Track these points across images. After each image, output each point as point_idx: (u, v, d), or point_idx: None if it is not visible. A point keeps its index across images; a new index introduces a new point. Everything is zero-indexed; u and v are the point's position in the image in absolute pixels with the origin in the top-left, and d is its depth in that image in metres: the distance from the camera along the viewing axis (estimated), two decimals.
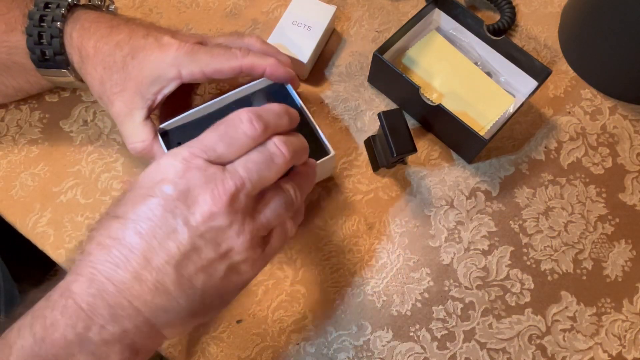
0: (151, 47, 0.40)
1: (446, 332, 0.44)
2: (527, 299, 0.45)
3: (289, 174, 0.34)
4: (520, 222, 0.48)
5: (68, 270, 0.30)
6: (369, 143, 0.50)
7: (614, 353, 0.44)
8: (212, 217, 0.29)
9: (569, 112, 0.53)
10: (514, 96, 0.51)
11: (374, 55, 0.48)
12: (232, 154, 0.31)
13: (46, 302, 0.29)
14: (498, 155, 0.51)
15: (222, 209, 0.29)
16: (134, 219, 0.29)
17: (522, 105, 0.49)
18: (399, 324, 0.44)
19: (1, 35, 0.41)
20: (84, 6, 0.43)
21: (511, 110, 0.50)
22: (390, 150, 0.44)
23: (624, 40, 0.48)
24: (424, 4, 0.56)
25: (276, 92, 0.45)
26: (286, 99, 0.45)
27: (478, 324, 0.45)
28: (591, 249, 0.48)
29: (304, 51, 0.49)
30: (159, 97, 0.41)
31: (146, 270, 0.29)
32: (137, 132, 0.42)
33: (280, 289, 0.45)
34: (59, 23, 0.40)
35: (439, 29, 0.54)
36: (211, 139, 0.31)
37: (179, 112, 0.43)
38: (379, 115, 0.44)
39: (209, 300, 0.31)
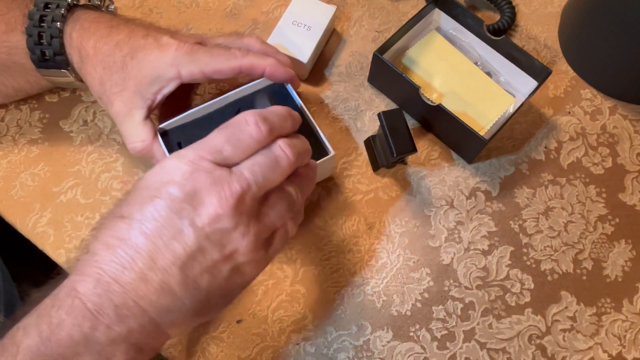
0: (151, 47, 0.40)
1: (446, 332, 0.44)
2: (527, 299, 0.45)
3: (291, 175, 0.35)
4: (520, 222, 0.48)
5: (71, 268, 0.31)
6: (369, 143, 0.50)
7: (614, 353, 0.44)
8: (218, 219, 0.29)
9: (569, 112, 0.53)
10: (514, 96, 0.51)
11: (374, 55, 0.48)
12: (238, 156, 0.31)
13: (52, 302, 0.29)
14: (498, 155, 0.51)
15: (228, 211, 0.29)
16: (139, 219, 0.29)
17: (522, 105, 0.49)
18: (399, 324, 0.44)
19: (1, 36, 0.41)
20: (84, 6, 0.43)
21: (511, 110, 0.50)
22: (390, 150, 0.44)
23: (624, 40, 0.48)
24: (424, 4, 0.56)
25: (276, 92, 0.45)
26: (286, 99, 0.45)
27: (478, 324, 0.45)
28: (591, 249, 0.48)
29: (304, 51, 0.49)
30: (159, 97, 0.41)
31: (152, 271, 0.29)
32: (137, 131, 0.42)
33: (280, 289, 0.45)
34: (58, 23, 0.40)
35: (439, 29, 0.54)
36: (218, 141, 0.31)
37: (179, 112, 0.43)
38: (379, 115, 0.44)
39: (212, 300, 0.32)
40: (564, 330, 0.45)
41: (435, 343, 0.44)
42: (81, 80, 0.44)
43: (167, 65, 0.40)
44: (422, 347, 0.44)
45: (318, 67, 0.53)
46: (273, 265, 0.45)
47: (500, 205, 0.49)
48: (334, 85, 0.52)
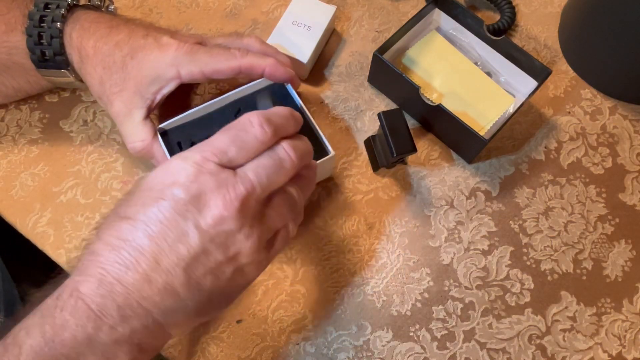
0: (150, 47, 0.40)
1: (446, 332, 0.44)
2: (527, 299, 0.45)
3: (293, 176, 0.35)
4: (520, 222, 0.48)
5: (72, 268, 0.31)
6: (369, 143, 0.50)
7: (614, 353, 0.44)
8: (222, 221, 0.29)
9: (569, 112, 0.53)
10: (514, 96, 0.51)
11: (374, 55, 0.48)
12: (243, 157, 0.31)
13: (55, 302, 0.29)
14: (498, 155, 0.50)
15: (233, 213, 0.29)
16: (144, 220, 0.29)
17: (522, 105, 0.49)
18: (399, 324, 0.44)
19: (1, 36, 0.41)
20: (84, 6, 0.43)
21: (511, 110, 0.50)
22: (390, 150, 0.44)
23: (624, 40, 0.48)
24: (424, 4, 0.56)
25: (276, 92, 0.45)
26: (286, 99, 0.45)
27: (478, 324, 0.45)
28: (591, 249, 0.48)
29: (304, 51, 0.49)
30: (158, 97, 0.41)
31: (156, 272, 0.29)
32: (137, 131, 0.42)
33: (280, 289, 0.45)
34: (58, 23, 0.40)
35: (439, 29, 0.54)
36: (222, 143, 0.31)
37: (179, 112, 0.43)
38: (379, 115, 0.44)
39: (215, 300, 0.32)
40: (564, 330, 0.45)
41: (435, 343, 0.44)
42: (81, 81, 0.44)
43: (167, 65, 0.40)
44: (422, 347, 0.44)
45: (318, 67, 0.53)
46: (273, 265, 0.45)
47: (500, 205, 0.49)
48: (334, 85, 0.52)
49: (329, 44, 0.54)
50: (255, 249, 0.31)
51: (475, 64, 0.52)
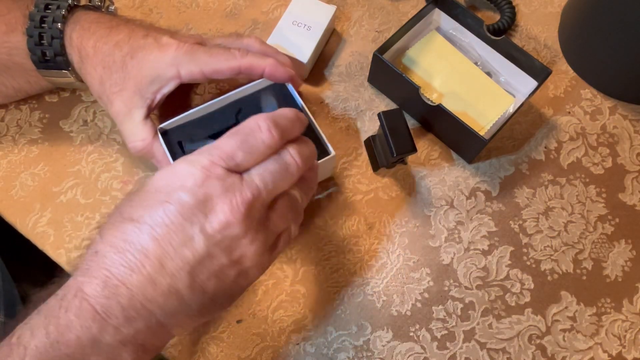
0: (150, 47, 0.40)
1: (446, 332, 0.44)
2: (527, 299, 0.45)
3: None
4: (520, 222, 0.48)
5: (72, 268, 0.31)
6: (369, 143, 0.50)
7: (614, 353, 0.44)
8: (228, 226, 0.30)
9: (569, 112, 0.53)
10: (514, 96, 0.51)
11: (374, 55, 0.48)
12: (250, 162, 0.31)
13: (60, 302, 0.29)
14: (498, 155, 0.51)
15: (239, 218, 0.30)
16: (150, 223, 0.29)
17: (522, 105, 0.49)
18: (399, 324, 0.44)
19: (1, 36, 0.41)
20: (84, 7, 0.43)
21: (511, 110, 0.50)
22: (390, 150, 0.44)
23: (624, 40, 0.48)
24: (424, 4, 0.56)
25: (277, 92, 0.45)
26: (287, 99, 0.45)
27: (478, 324, 0.45)
28: (591, 249, 0.48)
29: (304, 51, 0.49)
30: (158, 97, 0.41)
31: (160, 275, 0.29)
32: (137, 131, 0.42)
33: (280, 289, 0.45)
34: (59, 24, 0.40)
35: (439, 29, 0.54)
36: (230, 147, 0.31)
37: (179, 112, 0.43)
38: (379, 115, 0.44)
39: (217, 301, 0.32)
40: (564, 330, 0.45)
41: (435, 343, 0.44)
42: (81, 81, 0.44)
43: (166, 65, 0.40)
44: (422, 347, 0.44)
45: (318, 67, 0.53)
46: (273, 265, 0.45)
47: (500, 205, 0.49)
48: (334, 85, 0.52)
49: (329, 44, 0.54)
50: (259, 253, 0.31)
51: (475, 64, 0.52)
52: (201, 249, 0.29)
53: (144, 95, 0.41)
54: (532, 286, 0.46)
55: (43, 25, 0.40)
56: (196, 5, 0.55)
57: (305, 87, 0.52)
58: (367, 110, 0.51)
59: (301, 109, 0.44)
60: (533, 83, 0.50)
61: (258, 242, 0.31)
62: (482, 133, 0.47)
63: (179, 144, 0.43)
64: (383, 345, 0.43)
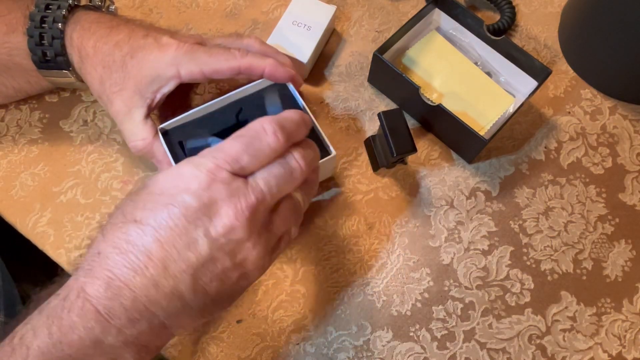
0: (150, 46, 0.40)
1: (446, 332, 0.44)
2: (527, 299, 0.46)
3: None
4: (520, 222, 0.48)
5: (74, 267, 0.31)
6: (369, 143, 0.50)
7: (614, 353, 0.44)
8: (232, 230, 0.30)
9: (569, 112, 0.53)
10: (514, 96, 0.51)
11: (374, 55, 0.48)
12: (255, 165, 0.31)
13: (62, 303, 0.29)
14: (498, 155, 0.51)
15: (243, 222, 0.30)
16: (154, 226, 0.29)
17: (522, 105, 0.49)
18: (399, 324, 0.44)
19: (2, 37, 0.41)
20: (85, 7, 0.43)
21: (511, 110, 0.50)
22: (390, 150, 0.44)
23: (624, 40, 0.48)
24: (424, 4, 0.56)
25: (279, 93, 0.45)
26: (288, 99, 0.45)
27: (478, 324, 0.45)
28: (591, 249, 0.48)
29: (304, 51, 0.49)
30: (158, 96, 0.41)
31: (163, 278, 0.29)
32: (138, 130, 0.42)
33: (280, 289, 0.45)
34: (60, 24, 0.40)
35: (439, 29, 0.54)
36: (235, 150, 0.31)
37: (179, 112, 0.43)
38: (379, 115, 0.44)
39: (219, 302, 0.32)
40: (564, 330, 0.45)
41: (435, 343, 0.44)
42: (82, 81, 0.44)
43: (166, 64, 0.40)
44: (422, 347, 0.44)
45: (318, 67, 0.53)
46: (273, 265, 0.45)
47: (500, 205, 0.49)
48: (334, 85, 0.52)
49: (329, 44, 0.54)
50: (261, 256, 0.32)
51: (475, 64, 0.52)
52: (205, 252, 0.29)
53: (144, 95, 0.41)
54: (532, 286, 0.46)
55: (43, 25, 0.40)
56: (196, 5, 0.55)
57: (305, 87, 0.52)
58: (367, 110, 0.51)
59: (302, 109, 0.44)
60: (533, 83, 0.50)
61: (261, 245, 0.31)
62: (482, 133, 0.47)
63: (180, 144, 0.43)
64: (383, 345, 0.43)
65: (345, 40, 0.55)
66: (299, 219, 0.35)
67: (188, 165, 0.31)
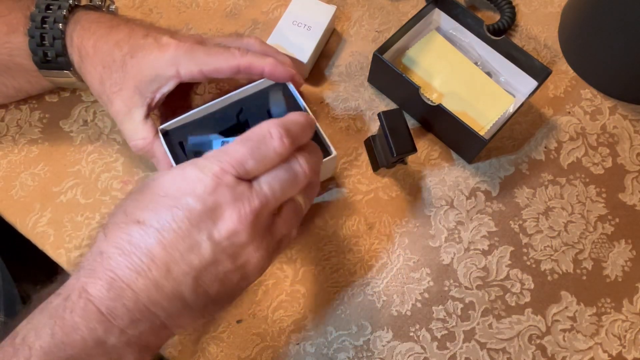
0: (150, 46, 0.40)
1: (446, 332, 0.44)
2: (527, 299, 0.45)
3: None
4: (520, 222, 0.48)
5: (75, 265, 0.31)
6: (369, 143, 0.50)
7: (614, 353, 0.44)
8: (236, 234, 0.30)
9: (569, 112, 0.53)
10: (514, 96, 0.51)
11: (374, 55, 0.48)
12: (260, 170, 0.31)
13: (64, 303, 0.29)
14: (498, 155, 0.51)
15: (247, 226, 0.30)
16: (157, 228, 0.29)
17: (522, 105, 0.49)
18: (399, 324, 0.44)
19: (3, 37, 0.41)
20: (85, 7, 0.43)
21: (511, 110, 0.50)
22: (390, 150, 0.44)
23: (624, 40, 0.48)
24: (424, 4, 0.56)
25: (282, 92, 0.45)
26: (289, 99, 0.45)
27: (478, 324, 0.45)
28: (591, 249, 0.48)
29: (304, 51, 0.49)
30: (158, 96, 0.41)
31: (165, 280, 0.29)
32: (138, 130, 0.42)
33: (280, 289, 0.45)
34: (60, 24, 0.40)
35: (439, 29, 0.54)
36: (241, 154, 0.31)
37: (179, 112, 0.43)
38: (379, 115, 0.44)
39: (219, 303, 0.32)
40: (564, 330, 0.45)
41: (435, 343, 0.44)
42: (83, 81, 0.44)
43: (166, 64, 0.40)
44: (422, 347, 0.44)
45: (318, 67, 0.53)
46: (273, 266, 0.45)
47: (500, 205, 0.49)
48: (334, 85, 0.52)
49: (329, 44, 0.54)
50: (263, 259, 0.32)
51: (475, 64, 0.52)
52: (208, 255, 0.29)
53: (144, 95, 0.41)
54: (532, 286, 0.46)
55: (44, 25, 0.40)
56: (196, 5, 0.55)
57: (306, 87, 0.52)
58: (367, 110, 0.51)
59: (303, 109, 0.44)
60: (533, 83, 0.50)
61: (262, 248, 0.31)
62: (482, 133, 0.47)
63: (180, 145, 0.43)
64: (383, 345, 0.43)
65: (345, 40, 0.55)
66: (300, 220, 0.35)
67: (193, 168, 0.30)
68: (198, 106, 0.43)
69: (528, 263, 0.47)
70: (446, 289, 0.45)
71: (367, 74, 0.52)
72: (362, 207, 0.48)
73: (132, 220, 0.30)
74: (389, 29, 0.55)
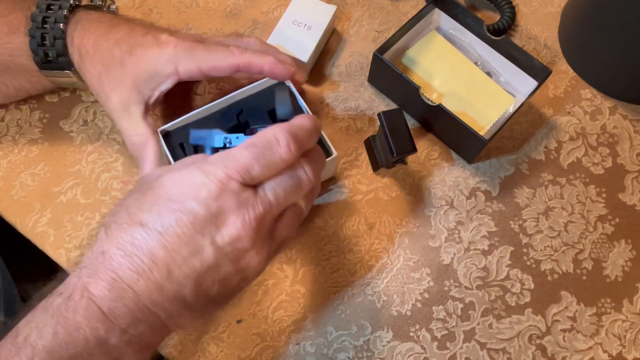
0: (149, 44, 0.40)
1: (446, 332, 0.44)
2: (527, 299, 0.45)
3: None
4: (520, 222, 0.48)
5: (76, 264, 0.31)
6: (369, 143, 0.50)
7: (614, 353, 0.44)
8: (239, 240, 0.30)
9: (569, 112, 0.53)
10: (514, 96, 0.51)
11: (374, 55, 0.48)
12: (265, 176, 0.31)
13: (66, 302, 0.29)
14: (498, 155, 0.51)
15: (250, 232, 0.30)
16: (160, 231, 0.29)
17: (522, 105, 0.49)
18: (399, 324, 0.44)
19: (3, 37, 0.41)
20: (85, 7, 0.43)
21: (511, 110, 0.50)
22: (390, 150, 0.44)
23: (624, 40, 0.48)
24: (424, 4, 0.56)
25: (288, 91, 0.45)
26: (292, 99, 0.45)
27: (478, 324, 0.45)
28: (591, 249, 0.48)
29: (304, 51, 0.49)
30: (156, 93, 0.41)
31: (167, 282, 0.29)
32: (134, 126, 0.41)
33: (280, 289, 0.45)
34: (61, 25, 0.40)
35: (439, 29, 0.54)
36: (247, 160, 0.30)
37: (180, 112, 0.43)
38: (379, 115, 0.44)
39: (218, 303, 0.33)
40: (564, 330, 0.45)
41: (435, 343, 0.44)
42: (83, 81, 0.44)
43: (165, 61, 0.40)
44: (422, 347, 0.44)
45: (318, 67, 0.53)
46: (273, 266, 0.45)
47: (500, 205, 0.49)
48: (334, 85, 0.52)
49: (329, 44, 0.54)
50: (263, 262, 0.32)
51: (475, 64, 0.52)
52: (210, 259, 0.30)
53: (142, 92, 0.41)
54: (532, 286, 0.46)
55: (45, 25, 0.40)
56: (196, 5, 0.55)
57: (306, 87, 0.52)
58: (367, 110, 0.51)
59: (303, 109, 0.44)
60: (533, 83, 0.50)
61: (264, 253, 0.32)
62: (482, 133, 0.47)
63: (181, 146, 0.43)
64: (383, 345, 0.43)
65: (345, 40, 0.55)
66: (300, 223, 0.36)
67: (199, 173, 0.30)
68: (199, 106, 0.43)
69: (528, 263, 0.47)
70: (446, 289, 0.45)
71: (367, 74, 0.52)
72: (362, 207, 0.48)
73: (135, 222, 0.30)
74: (389, 29, 0.55)
